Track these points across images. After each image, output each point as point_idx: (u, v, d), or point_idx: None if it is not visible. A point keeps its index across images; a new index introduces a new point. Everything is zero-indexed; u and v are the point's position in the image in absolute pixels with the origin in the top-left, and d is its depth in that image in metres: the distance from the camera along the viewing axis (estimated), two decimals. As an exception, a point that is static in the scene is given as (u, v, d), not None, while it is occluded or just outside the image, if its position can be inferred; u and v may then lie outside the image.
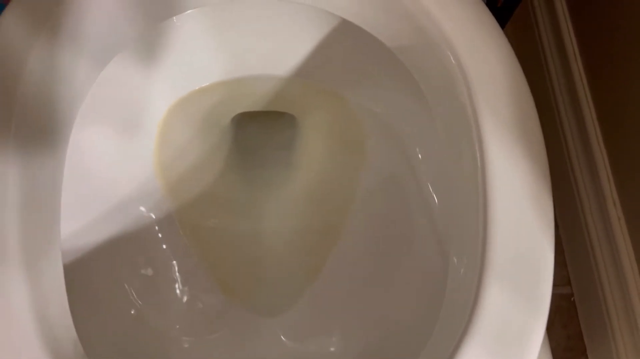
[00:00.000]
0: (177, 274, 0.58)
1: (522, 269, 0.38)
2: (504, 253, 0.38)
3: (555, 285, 0.68)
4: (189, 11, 0.51)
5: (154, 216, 0.57)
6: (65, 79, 0.43)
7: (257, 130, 0.69)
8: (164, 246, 0.58)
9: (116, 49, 0.47)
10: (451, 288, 0.42)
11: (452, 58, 0.44)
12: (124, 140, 0.55)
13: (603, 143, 0.68)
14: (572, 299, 0.76)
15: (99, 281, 0.52)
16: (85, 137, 0.49)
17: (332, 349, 0.52)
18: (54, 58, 0.41)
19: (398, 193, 0.55)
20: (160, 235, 0.57)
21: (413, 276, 0.51)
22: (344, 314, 0.54)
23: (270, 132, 0.70)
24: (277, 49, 0.60)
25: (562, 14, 0.74)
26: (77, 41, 0.43)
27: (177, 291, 0.57)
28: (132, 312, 0.54)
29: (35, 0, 0.41)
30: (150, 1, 0.48)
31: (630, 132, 0.63)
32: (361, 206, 0.58)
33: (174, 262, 0.58)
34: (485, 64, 0.44)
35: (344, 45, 0.57)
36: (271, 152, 0.68)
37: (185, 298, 0.57)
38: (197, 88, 0.60)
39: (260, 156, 0.68)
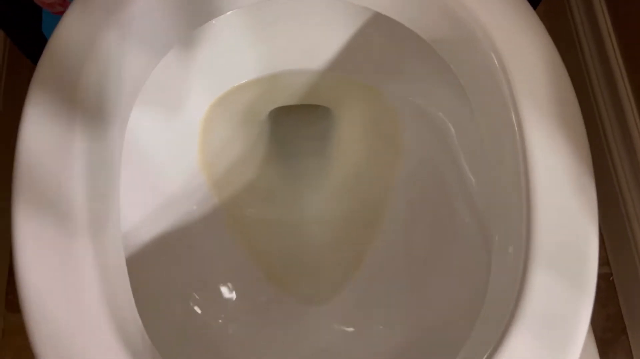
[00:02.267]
0: (225, 266, 0.60)
1: (567, 254, 0.39)
2: (549, 237, 0.39)
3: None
4: (226, 13, 0.53)
5: (200, 211, 0.60)
6: (124, 69, 0.45)
7: (293, 123, 0.71)
8: (211, 240, 0.60)
9: (164, 49, 0.49)
10: (495, 273, 0.43)
11: (490, 48, 0.44)
12: (171, 138, 0.57)
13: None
14: (611, 278, 0.76)
15: (153, 277, 0.55)
16: (137, 134, 0.51)
17: (379, 335, 0.54)
18: (116, 48, 0.43)
19: (437, 183, 0.57)
20: (207, 229, 0.60)
21: (456, 263, 0.52)
22: (389, 301, 0.55)
23: (306, 124, 0.71)
24: (311, 44, 0.61)
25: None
26: (133, 37, 0.45)
27: (226, 283, 0.60)
28: (185, 306, 0.56)
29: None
30: (191, 5, 0.49)
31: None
32: (401, 196, 0.59)
33: (221, 255, 0.60)
34: (523, 52, 0.44)
35: (379, 38, 0.58)
36: (308, 144, 0.69)
37: (234, 290, 0.60)
38: (235, 85, 0.62)
39: (297, 148, 0.70)
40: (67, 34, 0.42)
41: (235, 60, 0.60)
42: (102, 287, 0.36)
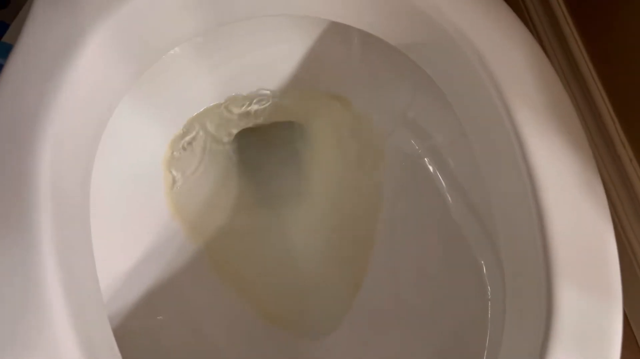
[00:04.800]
0: (216, 310, 0.56)
1: (589, 263, 0.37)
2: (567, 248, 0.37)
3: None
4: (177, 47, 0.48)
5: (182, 259, 0.55)
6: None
7: (262, 147, 0.67)
8: (198, 286, 0.56)
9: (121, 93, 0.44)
10: (512, 288, 0.41)
11: (468, 48, 0.42)
12: (135, 188, 0.52)
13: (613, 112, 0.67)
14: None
15: (145, 332, 0.50)
16: (100, 187, 0.46)
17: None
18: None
19: (427, 190, 0.54)
20: (192, 276, 0.55)
21: (461, 276, 0.50)
22: (394, 326, 0.52)
23: (275, 144, 0.67)
24: (268, 62, 0.57)
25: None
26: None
27: (220, 326, 0.56)
28: (181, 355, 0.52)
29: None
30: (142, 45, 0.44)
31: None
32: (390, 207, 0.56)
33: (210, 299, 0.56)
34: (504, 48, 0.42)
35: (340, 47, 0.55)
36: (281, 166, 0.65)
37: (228, 331, 0.56)
38: (192, 116, 0.57)
39: (270, 172, 0.65)
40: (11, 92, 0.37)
41: (190, 90, 0.55)
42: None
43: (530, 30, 0.68)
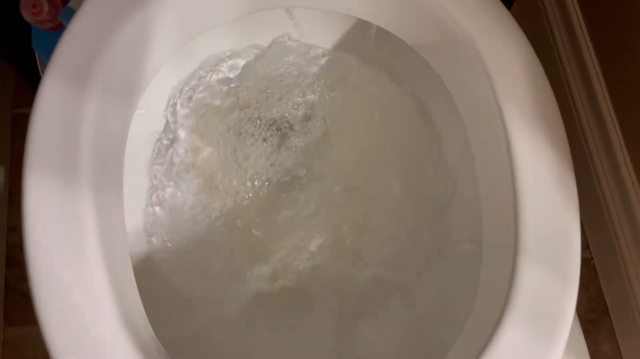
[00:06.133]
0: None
1: (552, 247, 0.41)
2: (535, 232, 0.41)
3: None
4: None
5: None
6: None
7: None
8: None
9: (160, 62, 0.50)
10: (486, 270, 0.46)
11: (473, 52, 0.47)
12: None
13: (614, 114, 0.71)
14: (592, 262, 0.80)
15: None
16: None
17: (375, 331, 0.56)
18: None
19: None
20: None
21: (448, 265, 0.55)
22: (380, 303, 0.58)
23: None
24: None
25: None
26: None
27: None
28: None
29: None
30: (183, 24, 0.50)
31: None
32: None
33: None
34: (503, 55, 0.46)
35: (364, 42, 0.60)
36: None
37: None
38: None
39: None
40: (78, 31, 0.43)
41: None
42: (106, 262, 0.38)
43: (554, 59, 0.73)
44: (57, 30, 0.56)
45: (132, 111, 0.46)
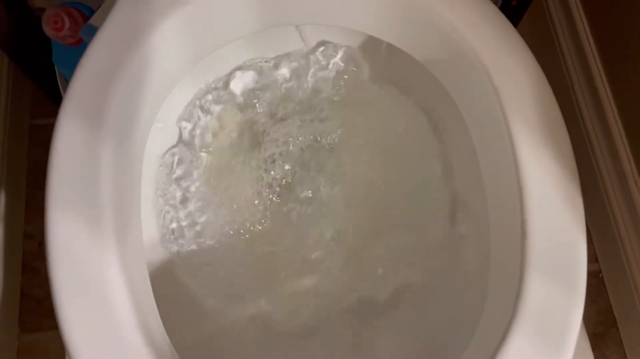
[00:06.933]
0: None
1: (559, 260, 0.42)
2: (542, 245, 0.42)
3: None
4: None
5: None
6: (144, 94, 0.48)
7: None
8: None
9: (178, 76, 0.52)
10: (494, 282, 0.47)
11: (482, 70, 0.48)
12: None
13: (621, 123, 0.71)
14: (600, 275, 0.80)
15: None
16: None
17: (385, 341, 0.57)
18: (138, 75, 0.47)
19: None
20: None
21: (456, 276, 0.56)
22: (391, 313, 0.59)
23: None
24: None
25: (575, 6, 0.77)
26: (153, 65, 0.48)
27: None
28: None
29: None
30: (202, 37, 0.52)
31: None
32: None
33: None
34: (509, 70, 0.48)
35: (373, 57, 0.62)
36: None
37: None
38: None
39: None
40: (95, 60, 0.45)
41: None
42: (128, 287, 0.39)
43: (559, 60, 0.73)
44: (78, 45, 0.58)
45: (145, 142, 0.48)
